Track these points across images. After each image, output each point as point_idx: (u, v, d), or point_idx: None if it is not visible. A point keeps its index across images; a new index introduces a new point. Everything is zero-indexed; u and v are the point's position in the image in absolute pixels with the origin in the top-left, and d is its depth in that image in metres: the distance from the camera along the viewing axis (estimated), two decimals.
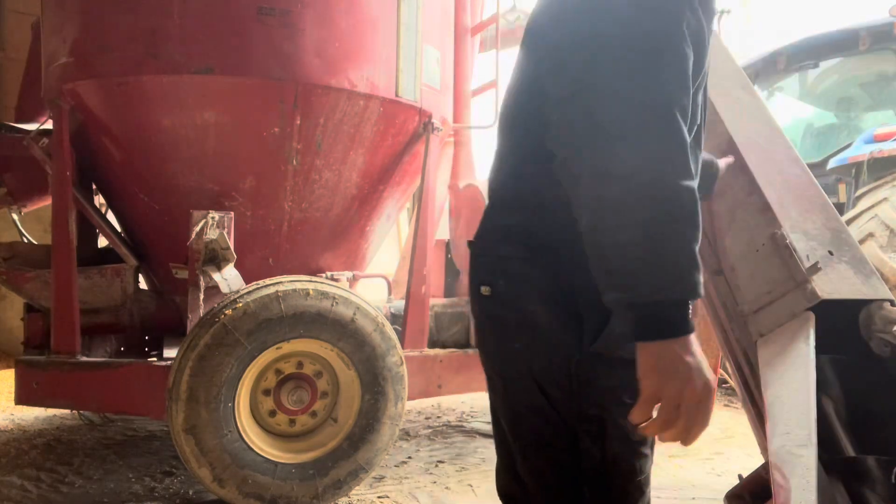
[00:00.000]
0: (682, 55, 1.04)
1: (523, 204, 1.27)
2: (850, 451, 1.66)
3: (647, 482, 1.28)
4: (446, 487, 3.16)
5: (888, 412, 1.70)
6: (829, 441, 1.57)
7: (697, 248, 1.00)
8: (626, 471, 1.24)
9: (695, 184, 1.02)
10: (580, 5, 1.08)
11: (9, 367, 5.59)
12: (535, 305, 1.21)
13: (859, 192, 3.96)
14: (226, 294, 2.75)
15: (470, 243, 1.38)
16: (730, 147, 1.95)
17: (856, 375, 1.76)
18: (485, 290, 1.28)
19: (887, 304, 1.73)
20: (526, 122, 1.24)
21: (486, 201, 1.39)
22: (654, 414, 1.02)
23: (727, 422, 4.57)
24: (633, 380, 1.10)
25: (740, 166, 1.92)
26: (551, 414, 1.23)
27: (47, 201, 3.89)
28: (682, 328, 0.99)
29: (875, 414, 1.71)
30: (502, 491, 1.39)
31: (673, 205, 0.98)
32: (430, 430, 4.25)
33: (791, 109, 5.58)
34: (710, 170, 1.80)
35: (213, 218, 2.86)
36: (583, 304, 1.17)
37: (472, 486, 3.20)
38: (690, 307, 1.01)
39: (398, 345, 2.97)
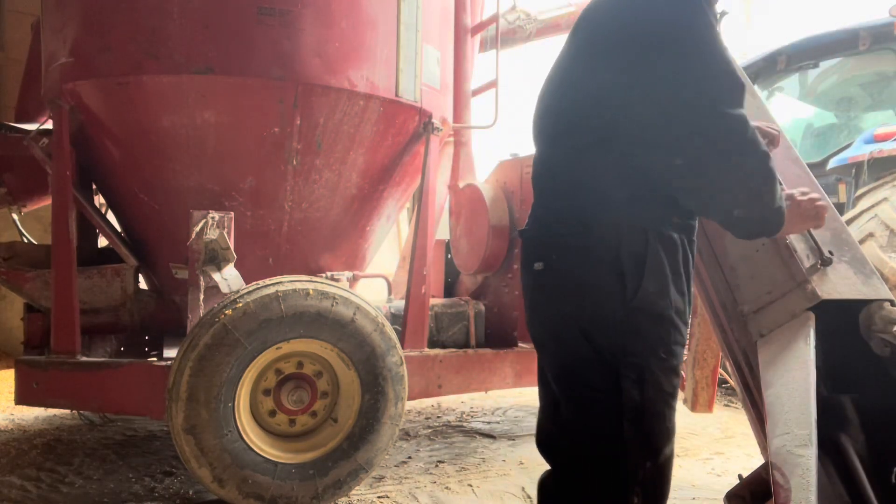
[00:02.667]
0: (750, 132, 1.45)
1: (576, 191, 1.55)
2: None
3: (673, 431, 1.53)
4: (446, 487, 3.16)
5: (888, 411, 1.70)
6: (852, 485, 1.57)
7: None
8: (657, 413, 1.50)
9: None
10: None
11: (9, 367, 5.59)
12: (586, 271, 1.50)
13: (859, 192, 3.96)
14: (226, 294, 2.75)
15: (521, 231, 1.69)
16: None
17: (851, 363, 1.76)
18: (538, 265, 1.57)
19: (887, 304, 1.73)
20: (593, 123, 1.52)
21: (534, 192, 1.70)
22: None
23: (727, 422, 4.57)
24: (667, 338, 1.50)
25: None
26: (597, 360, 1.49)
27: (47, 201, 3.89)
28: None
29: (875, 413, 1.71)
30: (543, 441, 1.66)
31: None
32: (430, 430, 4.25)
33: (791, 109, 5.58)
34: None
35: (213, 218, 2.86)
36: (626, 267, 1.47)
37: (472, 486, 3.20)
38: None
39: (398, 345, 2.96)
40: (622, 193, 1.50)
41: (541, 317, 1.62)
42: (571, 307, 1.52)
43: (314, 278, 2.89)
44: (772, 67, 5.23)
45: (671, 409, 1.53)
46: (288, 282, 2.76)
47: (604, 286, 1.48)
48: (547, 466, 1.67)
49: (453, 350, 3.67)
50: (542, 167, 1.67)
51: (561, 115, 1.62)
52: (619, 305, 1.46)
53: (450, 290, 4.49)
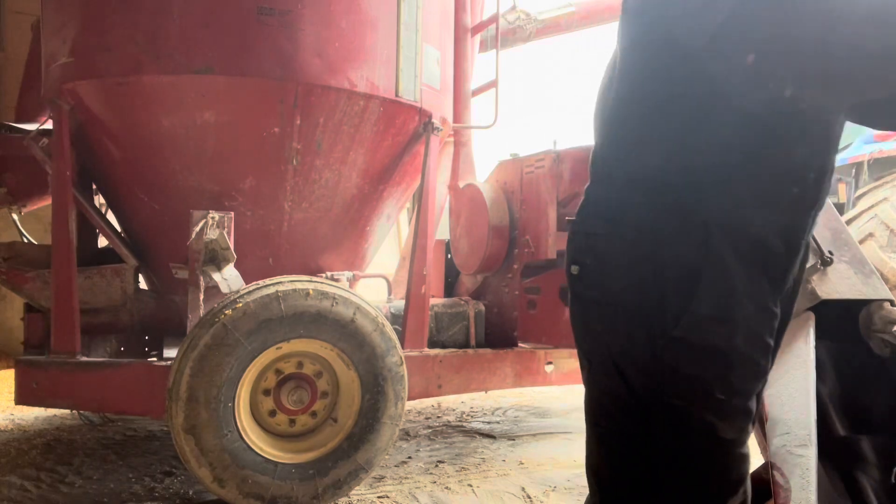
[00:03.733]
0: None
1: (609, 177, 1.23)
2: (842, 433, 1.67)
3: (739, 483, 1.17)
4: (446, 487, 3.16)
5: (888, 412, 1.70)
6: (821, 424, 1.57)
7: None
8: (712, 470, 1.14)
9: None
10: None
11: (9, 367, 5.59)
12: (618, 283, 1.15)
13: (859, 192, 3.97)
14: (226, 294, 2.75)
15: (569, 221, 1.35)
16: None
17: (851, 363, 1.76)
18: (574, 269, 1.25)
19: (887, 304, 1.74)
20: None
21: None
22: None
23: None
24: (729, 374, 1.10)
25: None
26: (629, 401, 1.15)
27: (47, 201, 3.89)
28: None
29: (874, 413, 1.71)
30: (591, 467, 1.30)
31: None
32: (430, 430, 4.25)
33: None
34: None
35: (213, 218, 2.86)
36: (668, 282, 1.10)
37: (472, 486, 3.20)
38: None
39: (398, 345, 2.96)
40: (672, 164, 1.11)
41: (576, 333, 1.30)
42: (601, 328, 1.19)
43: (314, 278, 2.89)
44: None
45: (735, 458, 1.15)
46: (288, 282, 2.76)
47: (635, 307, 1.13)
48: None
49: (453, 350, 3.67)
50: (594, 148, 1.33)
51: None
52: (657, 334, 1.10)
53: (450, 290, 4.49)
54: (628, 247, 1.14)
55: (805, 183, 1.15)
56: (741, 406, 1.13)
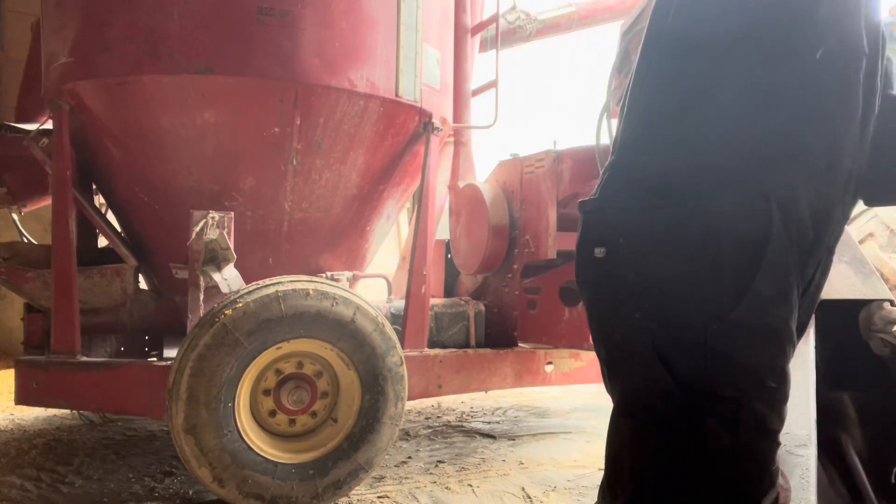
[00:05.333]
0: None
1: (657, 143, 1.11)
2: (873, 498, 1.66)
3: (777, 472, 1.12)
4: (446, 487, 3.16)
5: (888, 411, 1.70)
6: (852, 488, 1.56)
7: None
8: (758, 461, 1.07)
9: None
10: None
11: (9, 367, 5.59)
12: (661, 262, 1.05)
13: None
14: (226, 294, 2.76)
15: (580, 203, 1.20)
16: None
17: (879, 415, 1.75)
18: (599, 251, 1.13)
19: (887, 304, 1.74)
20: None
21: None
22: None
23: None
24: (780, 359, 1.03)
25: None
26: (675, 392, 1.05)
27: (47, 201, 3.89)
28: None
29: (875, 413, 1.71)
30: (619, 460, 1.20)
31: None
32: (430, 430, 4.25)
33: None
34: None
35: (213, 218, 2.86)
36: (727, 260, 1.00)
37: (472, 486, 3.20)
38: None
39: (398, 345, 2.96)
40: (742, 137, 1.04)
41: (601, 324, 1.19)
42: (642, 314, 1.08)
43: (314, 278, 2.89)
44: None
45: (775, 449, 1.10)
46: (288, 282, 2.76)
47: (690, 288, 1.03)
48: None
49: (453, 350, 3.67)
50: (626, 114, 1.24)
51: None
52: (711, 317, 1.01)
53: (450, 290, 4.49)
54: (676, 221, 1.04)
55: (834, 166, 1.10)
56: (786, 392, 1.08)
